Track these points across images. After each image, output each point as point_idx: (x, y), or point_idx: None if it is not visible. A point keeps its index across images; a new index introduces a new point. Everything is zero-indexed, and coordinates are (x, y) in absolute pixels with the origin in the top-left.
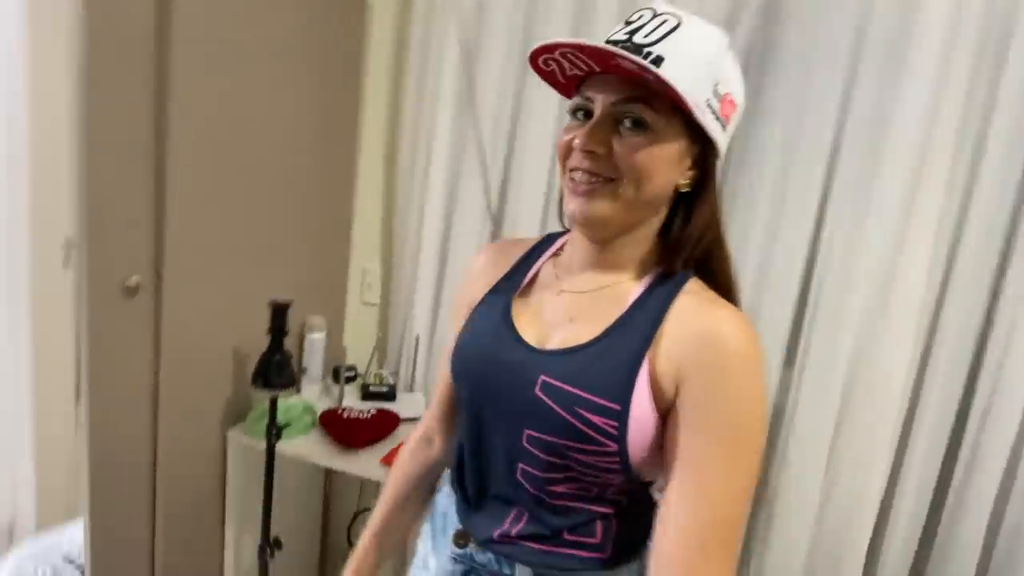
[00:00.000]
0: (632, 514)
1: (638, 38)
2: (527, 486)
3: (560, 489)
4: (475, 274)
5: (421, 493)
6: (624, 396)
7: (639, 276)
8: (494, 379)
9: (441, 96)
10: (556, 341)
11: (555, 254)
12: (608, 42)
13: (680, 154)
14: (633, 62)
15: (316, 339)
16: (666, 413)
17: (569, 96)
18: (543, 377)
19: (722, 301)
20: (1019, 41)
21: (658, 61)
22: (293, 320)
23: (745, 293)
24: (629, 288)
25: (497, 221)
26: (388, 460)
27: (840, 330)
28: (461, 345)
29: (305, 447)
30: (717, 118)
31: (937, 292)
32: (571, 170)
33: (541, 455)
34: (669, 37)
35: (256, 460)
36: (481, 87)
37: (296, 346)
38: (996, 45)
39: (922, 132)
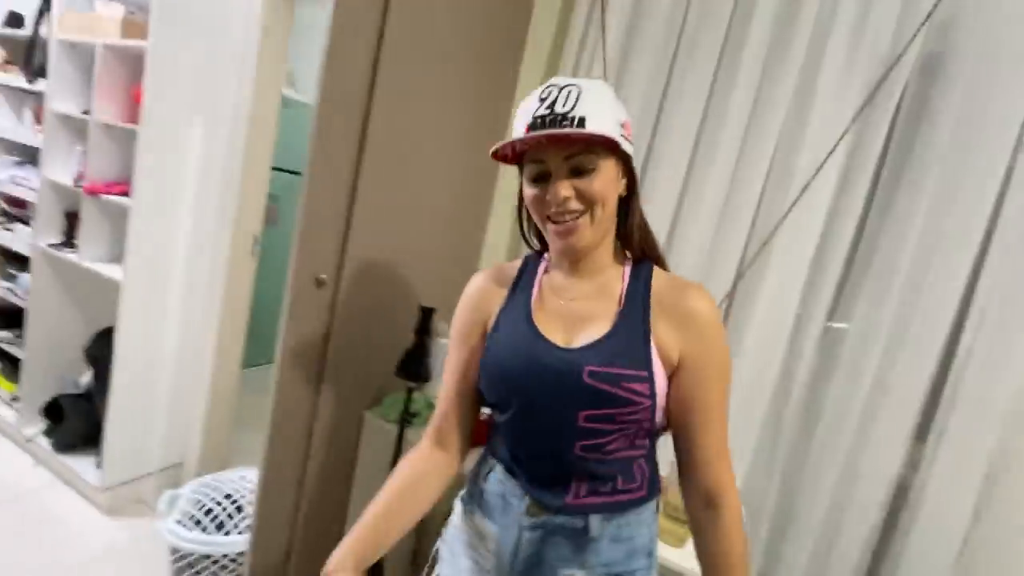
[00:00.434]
0: (650, 456)
1: (558, 108)
2: (588, 455)
3: (613, 446)
4: (474, 300)
5: (422, 494)
6: (647, 365)
7: (617, 271)
8: (539, 381)
9: None
10: (582, 339)
11: (545, 271)
12: (536, 117)
13: (616, 173)
14: (578, 135)
15: (444, 344)
16: (671, 375)
17: (509, 162)
18: (588, 367)
19: (683, 280)
20: None
21: (583, 122)
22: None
23: (875, 347)
24: (615, 286)
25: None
26: None
27: (985, 408)
28: (499, 361)
29: None
30: (627, 140)
31: None
32: (551, 217)
33: (599, 426)
34: (580, 101)
35: (383, 440)
36: None
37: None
38: None
39: None
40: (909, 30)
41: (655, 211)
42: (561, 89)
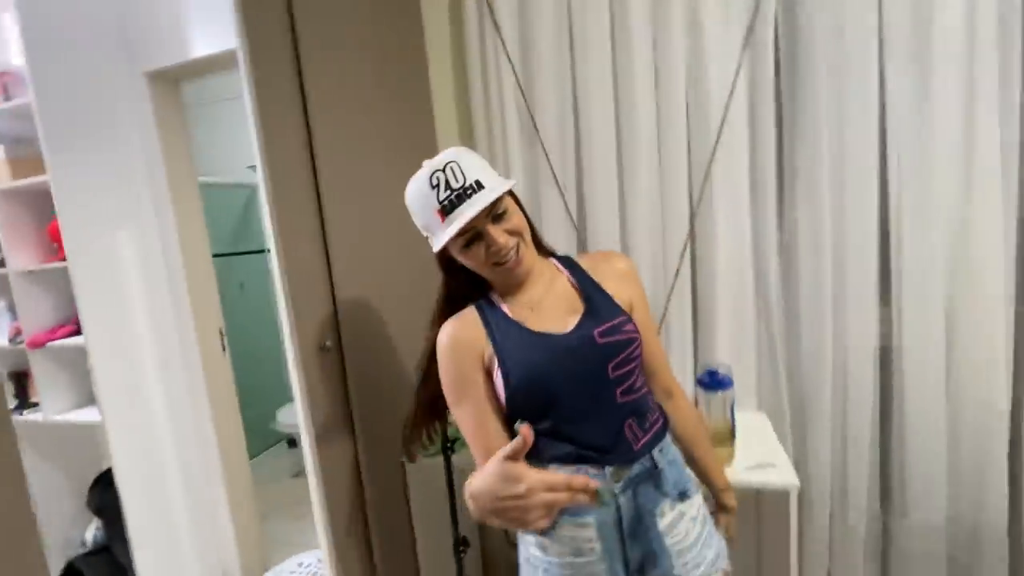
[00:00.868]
0: (651, 390)
1: (454, 184)
2: (627, 398)
3: (638, 383)
4: (456, 348)
5: None
6: (623, 312)
7: (550, 267)
8: (568, 363)
9: (509, 137)
10: (573, 320)
11: (501, 304)
12: (444, 202)
13: (515, 206)
14: (484, 209)
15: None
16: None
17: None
18: (595, 331)
19: (600, 252)
20: None
21: (479, 183)
22: None
23: (824, 236)
24: (559, 278)
25: (581, 231)
26: None
27: (931, 259)
28: (529, 371)
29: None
30: (505, 178)
31: (1018, 196)
32: (497, 264)
33: (623, 370)
34: (464, 171)
35: (427, 476)
36: (542, 122)
37: None
38: None
39: (963, 68)
40: None
41: (601, 184)
42: (444, 169)
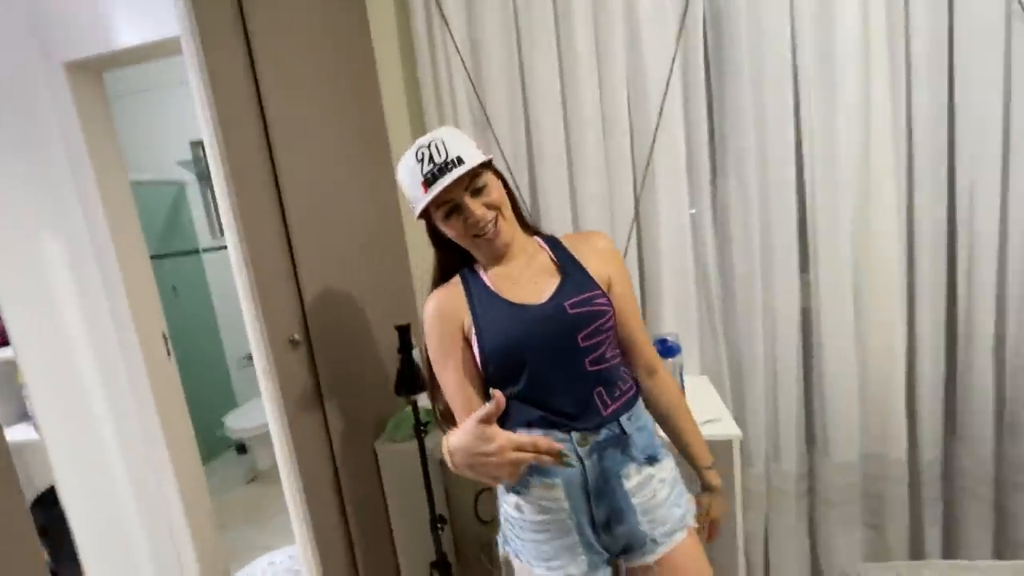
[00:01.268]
0: (624, 361)
1: (437, 159)
2: (596, 368)
3: (608, 353)
4: (439, 317)
5: None
6: (597, 285)
7: (534, 245)
8: (539, 332)
9: (462, 127)
10: (547, 293)
11: (484, 275)
12: (427, 174)
13: (496, 181)
14: (461, 181)
15: (416, 355)
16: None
17: (425, 218)
18: (566, 303)
19: (583, 233)
20: None
21: (460, 159)
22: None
23: (753, 215)
24: (541, 255)
25: (535, 216)
26: None
27: (838, 229)
28: (502, 339)
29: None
30: (488, 155)
31: (906, 193)
32: (477, 235)
33: (593, 340)
34: (448, 147)
35: (400, 460)
36: (492, 112)
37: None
38: None
39: (860, 52)
40: None
41: (551, 168)
42: (429, 146)
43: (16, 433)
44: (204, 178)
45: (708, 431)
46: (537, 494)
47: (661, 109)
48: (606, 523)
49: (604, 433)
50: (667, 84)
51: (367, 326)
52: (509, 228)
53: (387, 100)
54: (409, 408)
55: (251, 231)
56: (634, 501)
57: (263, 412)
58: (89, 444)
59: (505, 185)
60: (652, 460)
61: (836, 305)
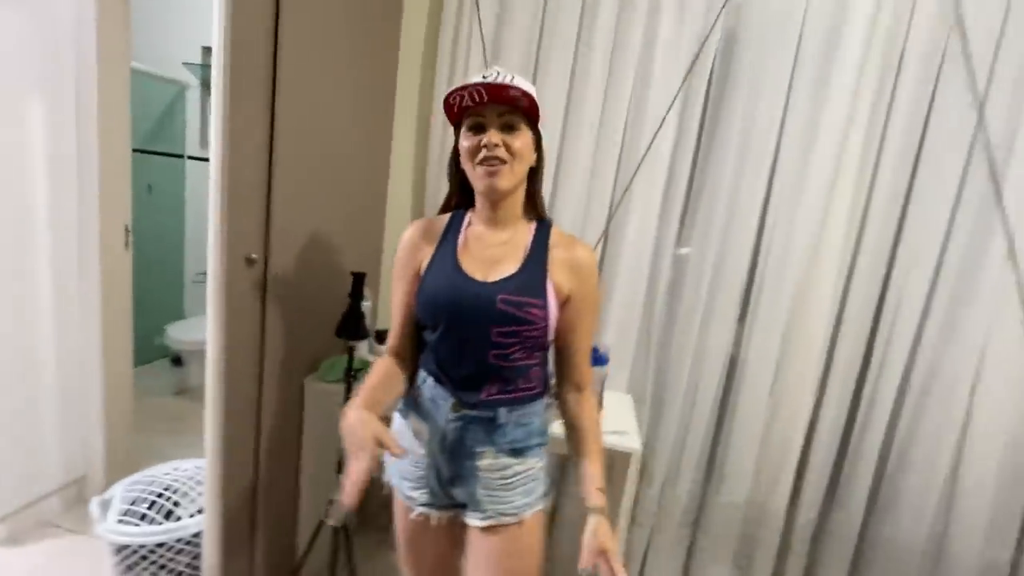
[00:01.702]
0: (543, 364)
1: (499, 79)
2: (497, 361)
3: (516, 355)
4: (411, 245)
5: (397, 383)
6: (544, 296)
7: (525, 227)
8: (464, 305)
9: None
10: (496, 275)
11: (468, 225)
12: (482, 78)
13: (531, 144)
14: (518, 88)
15: (366, 307)
16: (561, 306)
17: (452, 119)
18: (500, 295)
19: (573, 238)
20: (905, 89)
21: (515, 84)
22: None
23: (708, 260)
24: (522, 239)
25: None
26: None
27: (780, 293)
28: (432, 294)
29: None
30: (540, 121)
31: (849, 261)
32: (481, 161)
33: (506, 340)
34: (515, 80)
35: (325, 401)
36: None
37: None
38: (890, 89)
39: (837, 145)
40: (715, 12)
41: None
42: (499, 72)
43: None
44: (206, 85)
45: (613, 440)
46: (414, 427)
47: (650, 144)
48: (450, 479)
49: (476, 412)
50: (661, 122)
51: (327, 266)
52: (511, 179)
53: (403, 64)
54: (346, 355)
55: (236, 143)
56: (480, 475)
57: (206, 330)
58: (22, 311)
59: (539, 157)
60: (516, 452)
61: (760, 361)
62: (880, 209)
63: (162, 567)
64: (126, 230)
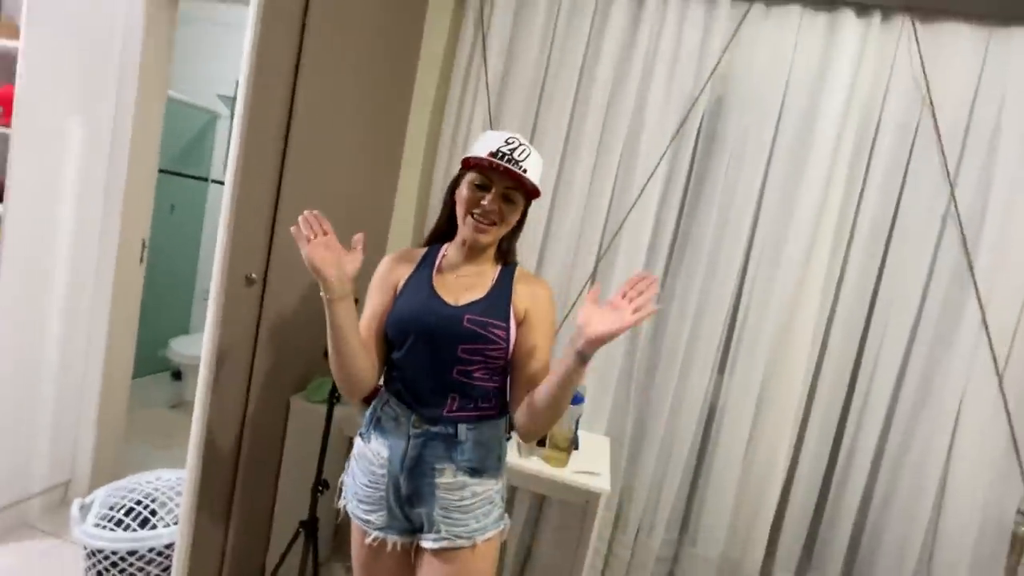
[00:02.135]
0: (502, 389)
1: (516, 156)
2: (460, 378)
3: (478, 375)
4: (387, 269)
5: (365, 350)
6: (507, 319)
7: (492, 266)
8: (433, 325)
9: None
10: (465, 299)
11: (443, 256)
12: (501, 151)
13: (521, 210)
14: (526, 179)
15: None
16: (518, 327)
17: (464, 164)
18: (467, 316)
19: (534, 276)
20: (878, 164)
21: (526, 173)
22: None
23: (689, 312)
24: (490, 273)
25: None
26: None
27: (758, 346)
28: (406, 310)
29: (348, 412)
30: (539, 193)
31: (825, 324)
32: (475, 214)
33: (471, 357)
34: (528, 158)
35: (308, 420)
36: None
37: None
38: (861, 168)
39: (815, 208)
40: (703, 79)
41: (536, 215)
42: (520, 144)
43: None
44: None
45: (584, 480)
46: (374, 447)
47: (640, 193)
48: (408, 498)
49: (437, 428)
50: (651, 174)
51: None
52: (495, 237)
53: (413, 114)
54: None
55: (248, 168)
56: (439, 493)
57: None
58: (35, 311)
59: (522, 221)
60: (474, 472)
61: (739, 414)
62: (852, 286)
63: None
64: (143, 245)
